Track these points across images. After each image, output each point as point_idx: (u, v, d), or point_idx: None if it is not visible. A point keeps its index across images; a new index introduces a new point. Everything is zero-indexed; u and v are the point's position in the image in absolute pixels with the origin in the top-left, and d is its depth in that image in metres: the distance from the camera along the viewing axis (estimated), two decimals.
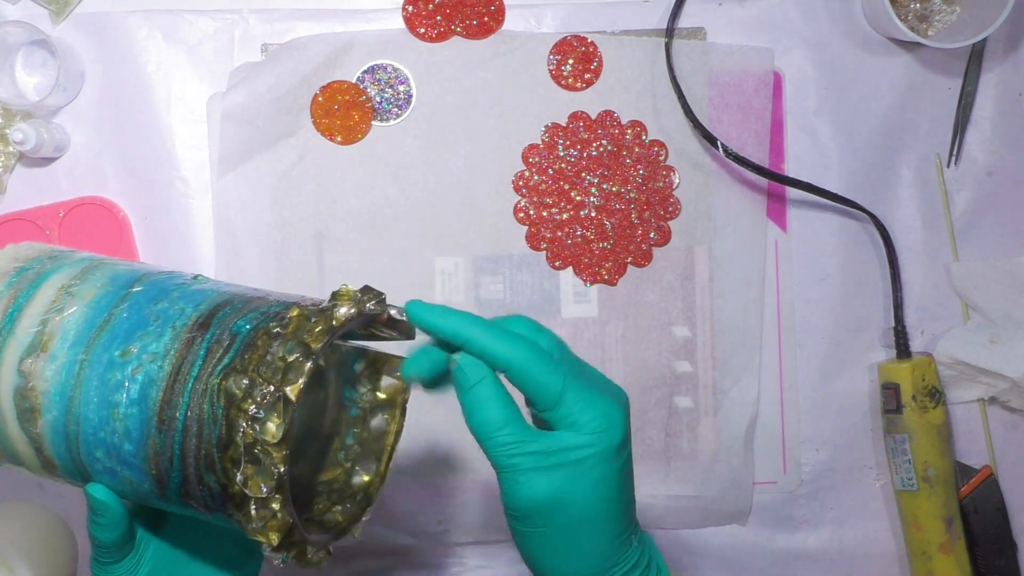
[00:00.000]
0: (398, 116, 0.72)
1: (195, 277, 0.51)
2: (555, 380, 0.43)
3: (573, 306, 0.73)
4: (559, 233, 0.73)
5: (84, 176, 0.72)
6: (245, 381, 0.43)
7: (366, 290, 0.49)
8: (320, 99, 0.72)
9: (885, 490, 0.75)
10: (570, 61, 0.73)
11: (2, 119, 0.71)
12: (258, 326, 0.45)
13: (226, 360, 0.44)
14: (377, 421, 0.56)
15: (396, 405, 0.56)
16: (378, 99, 0.72)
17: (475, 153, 0.73)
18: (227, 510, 0.44)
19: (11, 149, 0.71)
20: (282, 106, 0.71)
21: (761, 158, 0.73)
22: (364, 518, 0.53)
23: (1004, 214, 0.75)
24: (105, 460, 0.46)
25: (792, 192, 0.74)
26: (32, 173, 0.72)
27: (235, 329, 0.45)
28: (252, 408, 0.42)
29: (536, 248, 0.73)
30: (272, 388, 0.42)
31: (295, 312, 0.45)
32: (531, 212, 0.73)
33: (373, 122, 0.72)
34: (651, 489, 0.73)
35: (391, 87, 0.72)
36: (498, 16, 0.72)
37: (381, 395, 0.56)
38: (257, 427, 0.42)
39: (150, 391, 0.45)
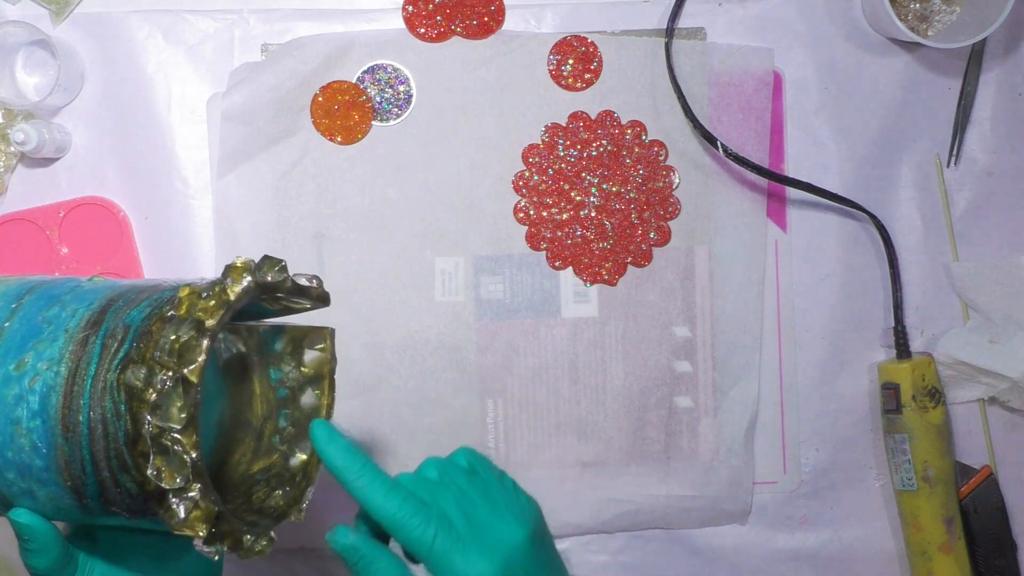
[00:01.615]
0: (398, 116, 0.72)
1: (90, 279, 0.49)
2: (421, 541, 0.46)
3: (573, 306, 0.73)
4: (559, 233, 0.73)
5: (84, 176, 0.72)
6: (143, 370, 0.41)
7: (266, 259, 0.47)
8: (320, 99, 0.72)
9: (885, 490, 0.75)
10: (570, 61, 0.73)
11: (4, 119, 0.71)
12: (151, 313, 0.43)
13: (121, 353, 0.42)
14: (307, 398, 0.54)
15: (324, 376, 0.54)
16: (378, 99, 0.72)
17: (475, 153, 0.73)
18: (150, 510, 0.42)
19: (12, 149, 0.71)
20: (282, 106, 0.71)
21: (761, 158, 0.73)
22: (305, 499, 0.51)
23: (1004, 214, 0.75)
24: (19, 481, 0.44)
25: (792, 192, 0.74)
26: (33, 173, 0.72)
27: (128, 320, 0.43)
28: (153, 396, 0.40)
29: (536, 248, 0.73)
30: (171, 373, 0.40)
31: (186, 291, 0.43)
32: (531, 212, 0.73)
33: (373, 122, 0.72)
34: (651, 489, 0.73)
35: (391, 87, 0.72)
36: (498, 16, 0.72)
37: (307, 370, 0.54)
38: (160, 415, 0.40)
39: (50, 399, 0.43)
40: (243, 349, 0.54)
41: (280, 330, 0.54)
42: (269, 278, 0.46)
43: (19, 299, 0.47)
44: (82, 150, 0.72)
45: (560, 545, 0.74)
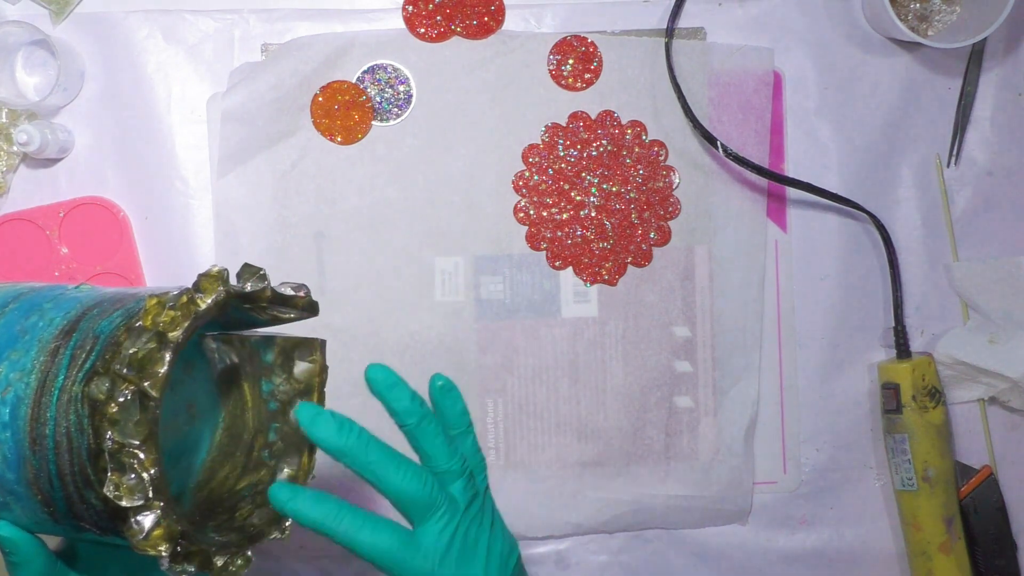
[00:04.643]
0: (398, 116, 0.72)
1: (78, 287, 0.48)
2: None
3: (573, 306, 0.73)
4: (559, 233, 0.73)
5: (84, 176, 0.72)
6: (107, 383, 0.40)
7: (245, 267, 0.45)
8: (320, 99, 0.72)
9: (885, 490, 0.75)
10: (570, 61, 0.73)
11: (7, 119, 0.71)
12: (121, 323, 0.42)
13: (87, 364, 0.41)
14: None
15: (314, 389, 0.52)
16: (378, 99, 0.72)
17: (475, 153, 0.73)
18: (116, 527, 0.41)
19: (15, 149, 0.71)
20: (282, 106, 0.71)
21: (761, 158, 0.73)
22: (288, 520, 0.49)
23: (1004, 214, 0.75)
24: None
25: (792, 192, 0.74)
26: (33, 173, 0.72)
27: (98, 330, 0.42)
28: (114, 410, 0.39)
29: (536, 248, 0.73)
30: (131, 386, 0.39)
31: (152, 301, 0.41)
32: (531, 212, 0.73)
33: (373, 122, 0.72)
34: (651, 489, 0.73)
35: (391, 87, 0.72)
36: (498, 16, 0.72)
37: (297, 382, 0.52)
38: (119, 430, 0.39)
39: (19, 410, 0.42)
40: (236, 360, 0.52)
41: (271, 340, 0.52)
42: (248, 287, 0.44)
43: (3, 308, 0.45)
44: (82, 150, 0.72)
45: (560, 545, 0.74)
